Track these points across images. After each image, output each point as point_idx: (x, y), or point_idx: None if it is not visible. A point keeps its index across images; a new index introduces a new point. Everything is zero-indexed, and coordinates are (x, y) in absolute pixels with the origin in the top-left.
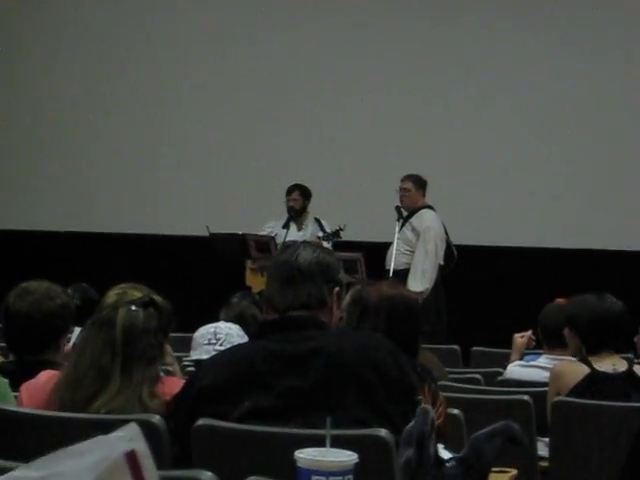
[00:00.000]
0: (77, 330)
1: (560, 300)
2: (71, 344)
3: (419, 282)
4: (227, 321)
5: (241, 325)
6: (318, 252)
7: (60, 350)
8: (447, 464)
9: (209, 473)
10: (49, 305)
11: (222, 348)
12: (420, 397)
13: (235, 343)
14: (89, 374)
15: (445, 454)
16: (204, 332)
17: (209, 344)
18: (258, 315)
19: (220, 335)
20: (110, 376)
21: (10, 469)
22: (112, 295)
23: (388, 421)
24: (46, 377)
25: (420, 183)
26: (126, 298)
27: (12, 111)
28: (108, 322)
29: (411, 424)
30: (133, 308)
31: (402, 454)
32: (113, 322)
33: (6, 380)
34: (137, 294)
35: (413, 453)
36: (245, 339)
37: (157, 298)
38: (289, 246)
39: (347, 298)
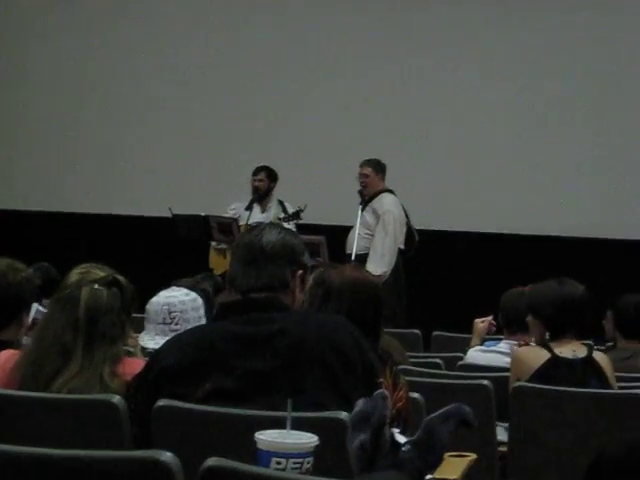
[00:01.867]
0: (35, 307)
1: (522, 288)
2: (30, 321)
3: (378, 265)
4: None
5: None
6: (283, 234)
7: (22, 327)
8: (403, 448)
9: (169, 453)
10: (12, 278)
11: (178, 327)
12: (381, 380)
13: (190, 319)
14: (51, 352)
15: (401, 438)
16: (157, 308)
17: (163, 324)
18: (208, 289)
19: (174, 313)
20: (72, 354)
21: None
22: (75, 274)
23: (348, 404)
24: (5, 356)
25: (379, 168)
26: (89, 277)
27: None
28: (71, 300)
29: (359, 407)
30: (96, 287)
31: (353, 438)
32: (76, 300)
33: None
34: (100, 273)
35: (369, 438)
36: (200, 311)
37: (120, 278)
38: (254, 227)
39: (309, 281)
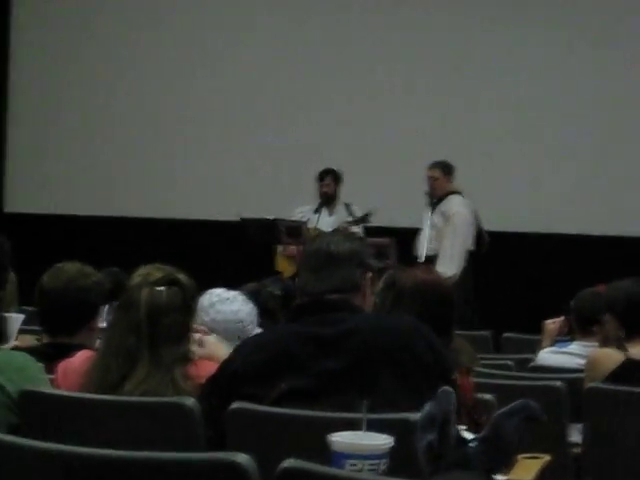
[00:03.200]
0: (106, 310)
1: (597, 288)
2: (103, 324)
3: (447, 267)
4: (243, 293)
5: (258, 305)
6: (349, 239)
7: (94, 331)
8: (469, 444)
9: (245, 455)
10: (83, 282)
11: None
12: (455, 377)
13: (255, 328)
14: (117, 358)
15: (467, 435)
16: (230, 327)
17: (238, 340)
18: (276, 293)
19: (248, 327)
20: (138, 358)
21: (44, 449)
22: (136, 277)
23: (421, 403)
24: (81, 358)
25: (447, 169)
26: (150, 279)
27: (36, 97)
28: (132, 303)
29: (427, 408)
30: (156, 288)
31: (422, 438)
32: (137, 303)
33: (41, 365)
34: (160, 274)
35: (435, 435)
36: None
37: (180, 276)
38: (318, 236)
39: (380, 283)
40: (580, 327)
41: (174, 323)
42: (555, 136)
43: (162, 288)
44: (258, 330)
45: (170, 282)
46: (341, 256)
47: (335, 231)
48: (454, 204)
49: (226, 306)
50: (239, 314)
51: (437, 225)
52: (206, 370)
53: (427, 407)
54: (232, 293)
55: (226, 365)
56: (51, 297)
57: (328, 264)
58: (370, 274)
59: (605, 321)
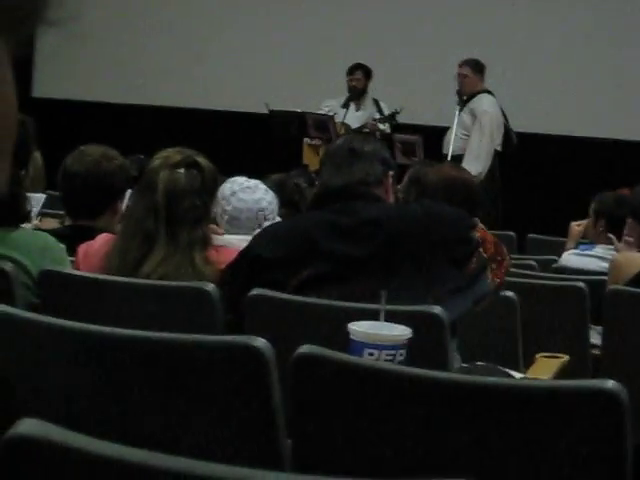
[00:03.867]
0: (129, 194)
1: (625, 190)
2: (123, 208)
3: (473, 165)
4: (268, 183)
5: (282, 196)
6: (370, 139)
7: (116, 215)
8: None
9: (262, 340)
10: (106, 166)
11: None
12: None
13: (276, 216)
14: (135, 240)
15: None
16: (250, 215)
17: (259, 228)
18: (302, 185)
19: (269, 215)
20: (155, 240)
21: (63, 327)
22: (155, 159)
23: (443, 290)
24: (102, 240)
25: (478, 68)
26: (169, 161)
27: None
28: (150, 186)
29: None
30: (176, 170)
31: None
32: (155, 185)
33: (63, 246)
34: (180, 157)
35: None
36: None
37: (200, 159)
38: (335, 139)
39: (405, 178)
40: (610, 231)
41: (192, 206)
42: (586, 41)
43: (181, 170)
44: (275, 220)
45: (189, 165)
46: (364, 152)
47: (358, 130)
48: (483, 103)
49: (248, 195)
50: (260, 203)
51: (465, 123)
52: (227, 256)
53: None
54: (253, 182)
55: (247, 251)
56: (74, 180)
57: (350, 159)
58: (392, 172)
59: (628, 225)
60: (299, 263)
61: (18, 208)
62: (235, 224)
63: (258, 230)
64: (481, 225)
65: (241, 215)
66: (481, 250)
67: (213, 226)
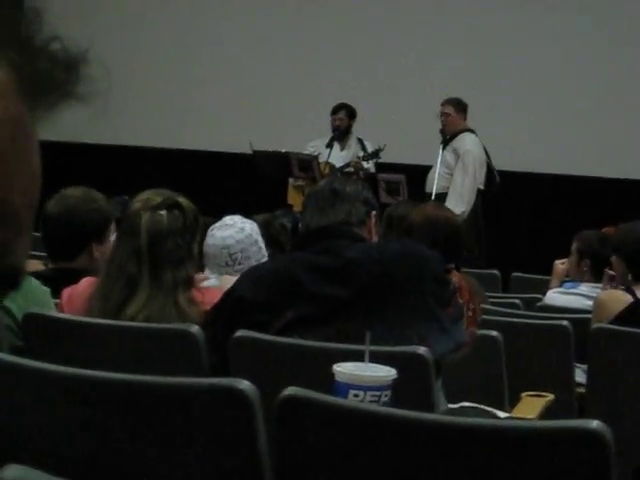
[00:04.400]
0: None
1: (608, 229)
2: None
3: (456, 204)
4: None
5: (268, 236)
6: (352, 180)
7: (94, 257)
8: None
9: (246, 382)
10: (83, 207)
11: (242, 266)
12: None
13: (251, 255)
14: (118, 283)
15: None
16: (216, 252)
17: (226, 266)
18: (287, 225)
19: (235, 255)
20: (138, 282)
21: (46, 371)
22: (136, 202)
23: (426, 330)
24: (86, 284)
25: (460, 107)
26: (150, 203)
27: None
28: (132, 229)
29: None
30: (158, 212)
31: None
32: (137, 228)
33: (47, 289)
34: (160, 198)
35: None
36: (258, 242)
37: (181, 199)
38: (319, 179)
39: (384, 218)
40: (595, 271)
41: (175, 247)
42: (568, 77)
43: (163, 212)
44: (253, 261)
45: (170, 206)
46: (346, 193)
47: (336, 175)
48: (466, 142)
49: (219, 232)
50: (226, 240)
51: (448, 162)
52: (212, 297)
53: None
54: (236, 220)
55: (231, 292)
56: (51, 222)
57: (333, 200)
58: (374, 212)
59: (612, 263)
60: (282, 305)
61: None
62: (206, 260)
63: (226, 268)
64: (456, 272)
65: (208, 251)
66: (458, 295)
67: (200, 275)
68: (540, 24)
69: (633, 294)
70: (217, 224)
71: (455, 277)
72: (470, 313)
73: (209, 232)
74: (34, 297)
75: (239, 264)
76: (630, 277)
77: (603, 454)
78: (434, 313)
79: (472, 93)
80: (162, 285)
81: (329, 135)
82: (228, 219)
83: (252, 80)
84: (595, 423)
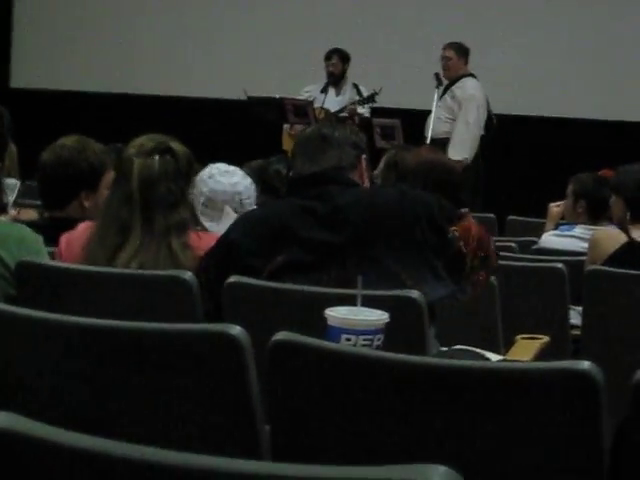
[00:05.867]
0: None
1: (605, 171)
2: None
3: (458, 151)
4: (248, 169)
5: (262, 182)
6: (340, 125)
7: (85, 205)
8: None
9: (238, 327)
10: (74, 156)
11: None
12: (453, 229)
13: (254, 202)
14: (111, 229)
15: None
16: (227, 198)
17: (235, 212)
18: (282, 171)
19: (245, 200)
20: (131, 228)
21: (41, 319)
22: (129, 148)
23: (419, 275)
24: (83, 229)
25: (462, 51)
26: (143, 149)
27: None
28: (124, 175)
29: None
30: (150, 158)
31: None
32: (129, 174)
33: (40, 237)
34: (153, 144)
35: None
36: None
37: (173, 144)
38: (308, 126)
39: (381, 163)
40: (590, 212)
41: (167, 191)
42: (561, 23)
43: (155, 157)
44: (254, 207)
45: (163, 151)
46: (335, 138)
47: (337, 113)
48: (468, 87)
49: (225, 178)
50: (237, 186)
51: (449, 107)
52: (208, 242)
53: None
54: (232, 167)
55: (224, 238)
56: (44, 171)
57: (322, 146)
58: (365, 156)
59: (611, 203)
60: (274, 249)
61: None
62: (211, 206)
63: (235, 215)
64: (470, 217)
65: (217, 197)
66: (462, 244)
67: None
68: None
69: (627, 233)
70: (214, 171)
71: (465, 222)
72: (476, 262)
73: (205, 179)
74: (27, 245)
75: (244, 210)
76: (629, 217)
77: (594, 395)
78: (428, 259)
79: (466, 36)
80: (154, 230)
81: (324, 81)
82: (222, 166)
83: (245, 26)
84: (586, 364)
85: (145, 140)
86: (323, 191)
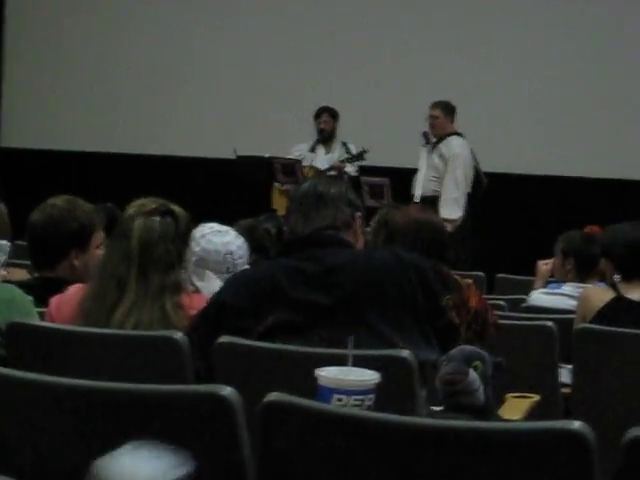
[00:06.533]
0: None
1: (592, 228)
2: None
3: (452, 210)
4: (238, 229)
5: (252, 241)
6: (334, 181)
7: (74, 266)
8: None
9: (229, 388)
10: (63, 216)
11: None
12: (447, 297)
13: (245, 262)
14: (109, 287)
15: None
16: (219, 258)
17: (227, 273)
18: (271, 230)
19: (237, 260)
20: (127, 286)
21: (31, 380)
22: (131, 208)
23: (410, 340)
24: (74, 290)
25: (448, 109)
26: (144, 209)
27: (33, 33)
28: (125, 233)
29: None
30: (151, 218)
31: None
32: (130, 233)
33: (30, 298)
34: (154, 205)
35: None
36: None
37: (174, 207)
38: (304, 181)
39: (373, 222)
40: (578, 271)
41: (166, 252)
42: (552, 80)
43: (156, 218)
44: (246, 267)
45: (164, 213)
46: (330, 196)
47: (318, 176)
48: (454, 145)
49: (217, 237)
50: (229, 246)
51: (436, 166)
52: (199, 303)
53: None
54: (225, 227)
55: (216, 298)
56: (34, 231)
57: (317, 204)
58: (359, 213)
59: (601, 265)
60: (265, 310)
61: None
62: (202, 265)
63: (227, 274)
64: (474, 289)
65: (209, 257)
66: (454, 318)
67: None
68: (531, 32)
69: (616, 290)
70: (206, 230)
71: (469, 293)
72: (470, 334)
73: (197, 238)
74: (17, 306)
75: (236, 270)
76: (619, 278)
77: (586, 454)
78: (420, 323)
79: (456, 95)
80: (149, 288)
81: (313, 139)
82: (215, 225)
83: (235, 85)
84: (577, 424)
85: (146, 201)
86: (316, 252)
